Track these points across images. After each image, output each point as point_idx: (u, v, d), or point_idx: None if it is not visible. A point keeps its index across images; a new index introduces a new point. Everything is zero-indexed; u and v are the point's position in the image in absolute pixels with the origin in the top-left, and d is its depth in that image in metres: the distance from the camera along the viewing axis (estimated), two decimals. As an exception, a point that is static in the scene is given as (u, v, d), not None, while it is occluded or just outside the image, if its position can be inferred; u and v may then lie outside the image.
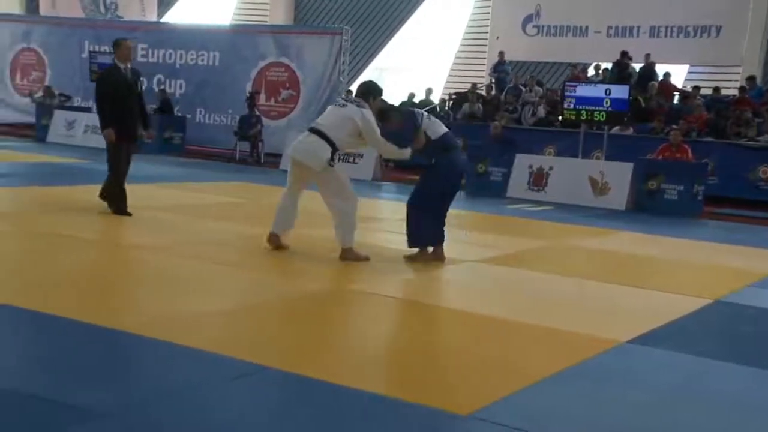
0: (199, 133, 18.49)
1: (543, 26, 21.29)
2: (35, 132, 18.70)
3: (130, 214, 8.34)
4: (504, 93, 18.62)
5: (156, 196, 10.35)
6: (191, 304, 5.23)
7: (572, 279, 6.98)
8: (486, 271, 7.16)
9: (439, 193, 7.09)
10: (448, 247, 7.15)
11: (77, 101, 19.79)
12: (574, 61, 19.40)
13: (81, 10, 25.85)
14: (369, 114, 6.78)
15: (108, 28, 20.58)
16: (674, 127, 14.37)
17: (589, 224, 10.76)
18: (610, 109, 13.47)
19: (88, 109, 18.16)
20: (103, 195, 8.51)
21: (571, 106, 13.83)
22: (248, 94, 17.55)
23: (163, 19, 25.16)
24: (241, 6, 26.02)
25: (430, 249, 7.15)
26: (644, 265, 8.15)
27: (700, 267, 8.27)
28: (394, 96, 19.11)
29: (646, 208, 12.72)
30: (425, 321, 5.42)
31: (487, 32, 22.36)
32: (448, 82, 23.02)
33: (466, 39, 23.39)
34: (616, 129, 14.84)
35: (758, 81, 17.41)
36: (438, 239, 7.13)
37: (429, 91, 19.38)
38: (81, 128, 17.85)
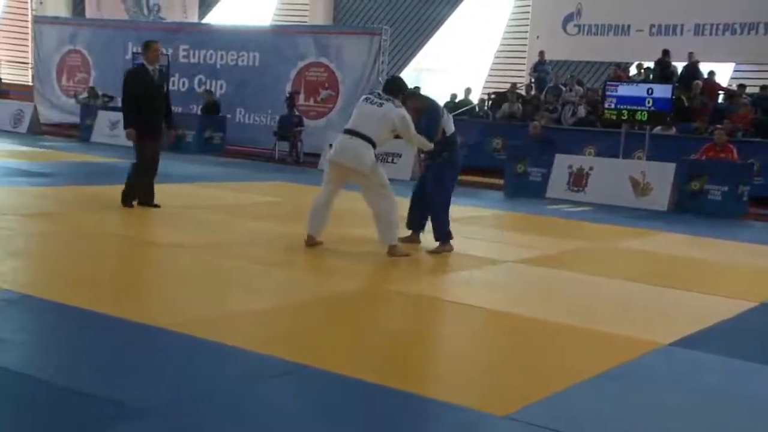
0: (239, 133, 18.64)
1: (584, 25, 21.08)
2: (80, 132, 19.03)
3: (132, 207, 8.67)
4: (544, 93, 18.47)
5: (196, 195, 10.47)
6: (230, 303, 5.27)
7: (613, 280, 6.89)
8: (525, 272, 7.10)
9: (452, 185, 7.53)
10: (486, 248, 7.13)
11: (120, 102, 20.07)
12: (616, 60, 19.18)
13: (125, 12, 26.25)
14: (406, 113, 6.96)
15: (151, 30, 20.86)
16: (719, 126, 14.13)
17: (630, 225, 10.62)
18: (652, 108, 13.29)
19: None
20: (143, 197, 8.74)
21: (612, 105, 13.68)
22: (288, 95, 17.65)
23: (205, 20, 25.43)
24: (280, 6, 26.18)
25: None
26: (687, 267, 8.02)
27: (744, 269, 8.12)
28: (434, 96, 19.11)
29: (688, 209, 12.52)
30: (463, 321, 5.39)
31: (527, 32, 22.20)
32: (487, 81, 22.91)
33: (505, 38, 23.26)
34: (658, 129, 14.63)
35: (806, 79, 17.04)
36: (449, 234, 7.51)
37: (468, 91, 19.32)
38: (124, 129, 18.10)
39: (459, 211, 10.83)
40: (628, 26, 20.42)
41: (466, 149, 17.16)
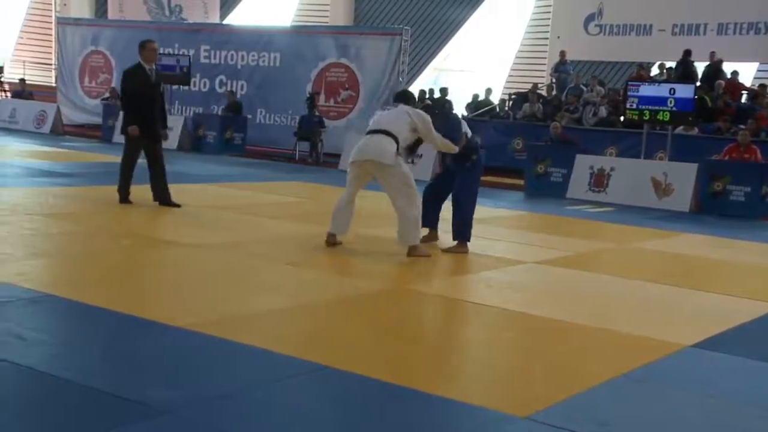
0: (259, 133, 18.72)
1: (605, 25, 20.96)
2: (102, 133, 19.16)
3: (130, 202, 8.86)
4: (565, 93, 18.38)
5: (217, 195, 10.52)
6: (250, 303, 5.28)
7: (634, 281, 6.84)
8: (546, 273, 7.07)
9: (477, 188, 7.72)
10: (506, 248, 7.11)
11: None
12: (637, 60, 19.05)
13: (147, 13, 26.45)
14: (425, 114, 7.04)
15: (172, 31, 21.02)
16: (742, 127, 13.99)
17: (651, 226, 10.55)
18: (674, 108, 13.18)
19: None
20: (160, 197, 8.88)
21: (634, 106, 13.58)
22: (308, 95, 17.70)
23: (226, 21, 25.55)
24: (301, 7, 26.26)
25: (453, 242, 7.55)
26: (709, 268, 7.95)
27: (767, 270, 8.03)
28: (455, 97, 19.12)
29: (711, 209, 12.41)
30: (483, 322, 5.37)
31: (548, 32, 22.11)
32: (508, 82, 22.85)
33: (526, 39, 23.18)
34: (680, 129, 14.51)
35: (831, 79, 16.83)
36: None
37: (489, 92, 19.29)
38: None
39: (479, 211, 10.78)
40: (650, 26, 20.28)
41: (485, 150, 17.32)
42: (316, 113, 17.46)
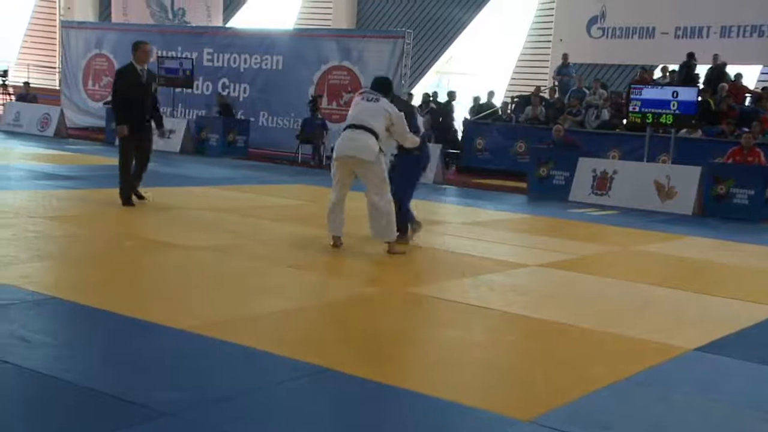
0: (262, 136, 18.74)
1: (608, 28, 20.94)
2: (105, 136, 19.19)
3: (133, 205, 8.92)
4: (568, 96, 18.36)
5: (219, 197, 10.52)
6: (252, 305, 5.28)
7: (638, 285, 6.83)
8: (548, 276, 7.06)
9: (417, 181, 7.79)
10: (509, 251, 7.09)
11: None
12: (640, 63, 19.03)
13: (150, 17, 26.49)
14: (396, 108, 7.16)
15: (175, 34, 21.05)
16: (745, 130, 13.96)
17: (654, 229, 10.53)
18: (677, 111, 13.17)
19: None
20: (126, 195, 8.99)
21: (637, 109, 13.57)
22: (311, 98, 17.71)
23: (229, 24, 25.58)
24: (304, 10, 26.27)
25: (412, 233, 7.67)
26: (712, 272, 7.94)
27: (771, 274, 8.02)
28: (458, 100, 19.12)
29: (714, 213, 12.39)
30: (486, 325, 5.37)
31: (550, 35, 22.09)
32: (510, 84, 22.83)
33: (529, 41, 23.16)
34: (683, 132, 14.49)
35: (835, 82, 16.80)
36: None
37: (491, 94, 19.27)
38: (149, 132, 18.25)
39: (482, 214, 10.82)
40: (653, 29, 20.25)
41: (489, 153, 17.35)
42: (319, 116, 17.47)
